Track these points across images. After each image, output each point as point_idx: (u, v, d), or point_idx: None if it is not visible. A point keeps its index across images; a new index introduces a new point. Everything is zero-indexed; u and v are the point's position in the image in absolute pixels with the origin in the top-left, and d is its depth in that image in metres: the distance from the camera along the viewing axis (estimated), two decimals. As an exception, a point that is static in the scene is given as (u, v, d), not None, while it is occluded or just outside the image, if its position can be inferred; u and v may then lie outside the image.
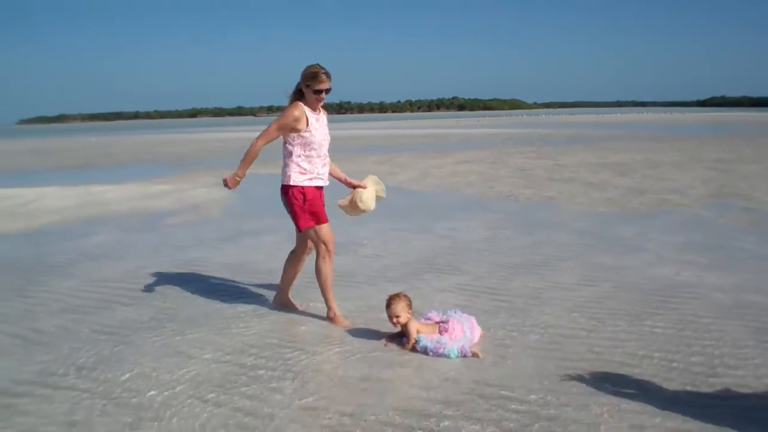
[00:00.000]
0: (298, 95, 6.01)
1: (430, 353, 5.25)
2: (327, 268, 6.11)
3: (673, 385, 4.57)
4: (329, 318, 6.11)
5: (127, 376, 4.96)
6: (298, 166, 6.10)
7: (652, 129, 52.18)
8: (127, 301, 7.07)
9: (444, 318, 5.57)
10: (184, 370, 5.05)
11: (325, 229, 6.15)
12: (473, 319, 5.66)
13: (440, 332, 5.40)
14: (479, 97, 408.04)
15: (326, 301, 6.14)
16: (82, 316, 6.55)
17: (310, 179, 6.12)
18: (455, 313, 5.67)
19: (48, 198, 16.54)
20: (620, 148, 28.91)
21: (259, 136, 6.16)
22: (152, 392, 4.64)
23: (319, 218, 6.12)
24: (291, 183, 6.15)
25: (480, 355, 5.22)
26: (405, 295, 5.53)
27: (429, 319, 5.65)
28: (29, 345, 5.76)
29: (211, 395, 4.57)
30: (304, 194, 6.09)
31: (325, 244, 6.13)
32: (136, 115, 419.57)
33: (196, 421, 4.18)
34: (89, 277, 8.19)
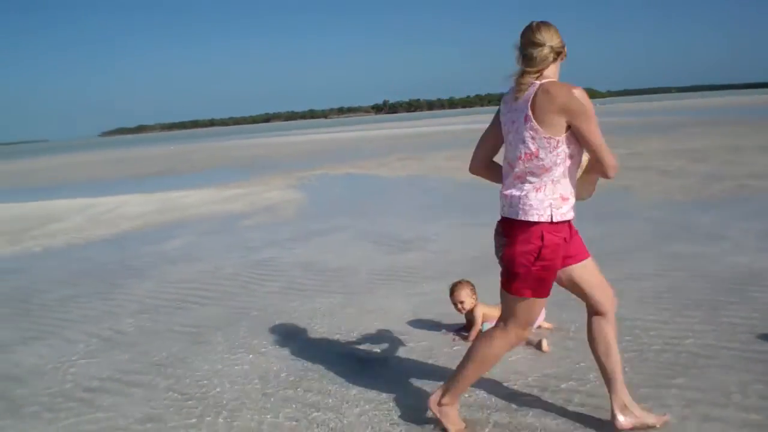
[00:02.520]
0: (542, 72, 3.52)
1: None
2: (501, 351, 3.84)
3: (746, 377, 4.38)
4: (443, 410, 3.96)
5: (201, 372, 5.12)
6: (560, 188, 3.53)
7: (733, 113, 50.18)
8: (201, 300, 7.28)
9: None
10: (256, 366, 5.17)
11: (540, 306, 3.80)
12: (543, 314, 5.60)
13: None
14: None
15: (454, 386, 3.94)
16: (159, 316, 6.79)
17: (566, 212, 3.59)
18: None
19: (129, 205, 17.19)
20: (698, 134, 27.95)
21: (603, 147, 3.51)
22: (224, 388, 4.78)
23: (544, 287, 3.67)
24: (541, 219, 3.47)
25: (546, 347, 5.17)
26: (468, 282, 5.55)
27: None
28: (109, 344, 6.02)
29: (282, 391, 4.66)
30: (545, 241, 3.48)
31: (526, 327, 3.84)
32: (211, 123, 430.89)
33: (266, 415, 4.28)
34: (166, 278, 8.47)
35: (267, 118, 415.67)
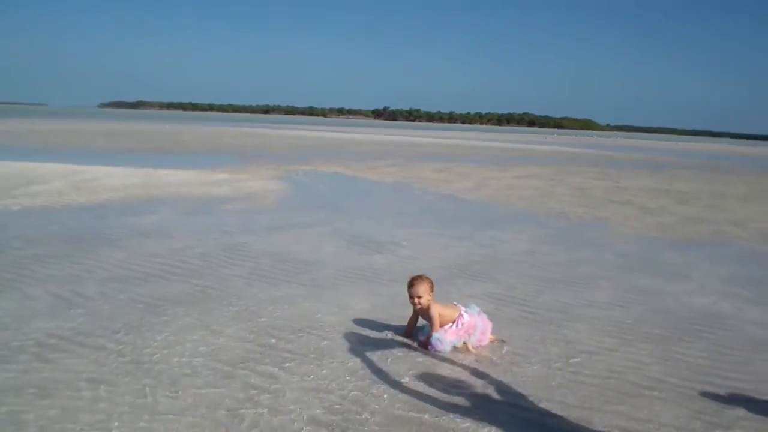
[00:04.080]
0: None
1: (430, 347, 5.44)
2: None
3: (683, 412, 4.53)
4: None
5: (155, 343, 5.22)
6: None
7: (726, 160, 50.69)
8: (168, 276, 7.36)
9: (466, 310, 5.67)
10: (208, 343, 5.28)
11: None
12: (489, 325, 5.75)
13: (457, 319, 5.54)
14: (550, 115, 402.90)
15: None
16: (124, 286, 6.87)
17: None
18: (476, 310, 5.74)
19: (114, 176, 17.21)
20: (687, 177, 28.26)
21: None
22: (175, 360, 4.88)
23: None
24: None
25: (470, 349, 5.47)
26: (428, 278, 5.66)
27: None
28: (69, 305, 6.11)
29: (228, 368, 4.78)
30: None
31: None
32: (210, 107, 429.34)
33: (210, 390, 4.38)
34: (138, 251, 8.54)
35: (266, 110, 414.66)
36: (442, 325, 5.52)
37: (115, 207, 12.23)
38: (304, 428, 3.95)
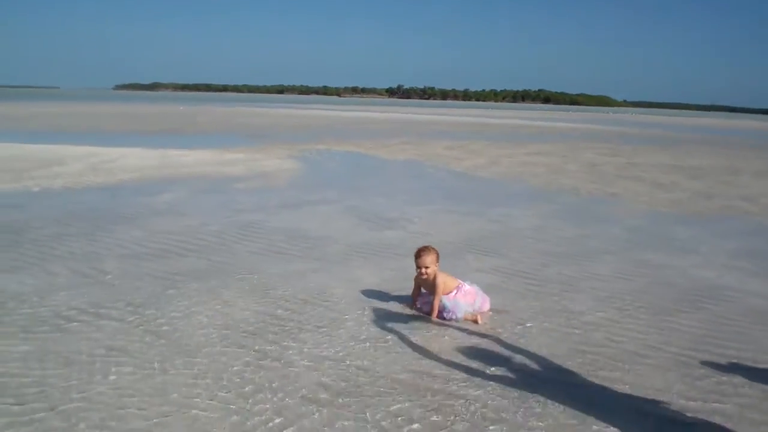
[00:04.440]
0: None
1: (447, 309, 5.67)
2: None
3: (680, 379, 4.67)
4: None
5: (170, 315, 5.45)
6: None
7: (743, 136, 50.33)
8: (183, 252, 7.60)
9: (465, 284, 5.89)
10: (221, 314, 5.51)
11: None
12: (487, 298, 5.96)
13: (457, 289, 5.78)
14: (566, 91, 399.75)
15: None
16: (141, 262, 7.12)
17: None
18: (474, 285, 5.96)
19: (129, 158, 17.49)
20: (700, 152, 28.19)
21: None
22: (188, 331, 5.11)
23: None
24: None
25: (478, 320, 5.65)
26: (434, 249, 5.87)
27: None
28: (89, 280, 6.36)
29: (239, 338, 5.00)
30: None
31: None
32: (225, 88, 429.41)
33: (221, 357, 4.61)
34: (154, 228, 8.78)
35: (281, 90, 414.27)
36: (444, 294, 5.73)
37: (132, 187, 12.49)
38: (311, 392, 4.15)
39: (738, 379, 4.71)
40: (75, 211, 9.84)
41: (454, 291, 5.78)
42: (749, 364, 5.03)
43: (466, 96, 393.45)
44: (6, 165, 14.79)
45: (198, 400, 4.00)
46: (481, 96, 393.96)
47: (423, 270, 5.73)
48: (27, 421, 3.68)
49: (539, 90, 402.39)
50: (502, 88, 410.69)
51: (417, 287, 5.95)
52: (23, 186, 12.04)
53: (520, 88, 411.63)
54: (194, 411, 3.86)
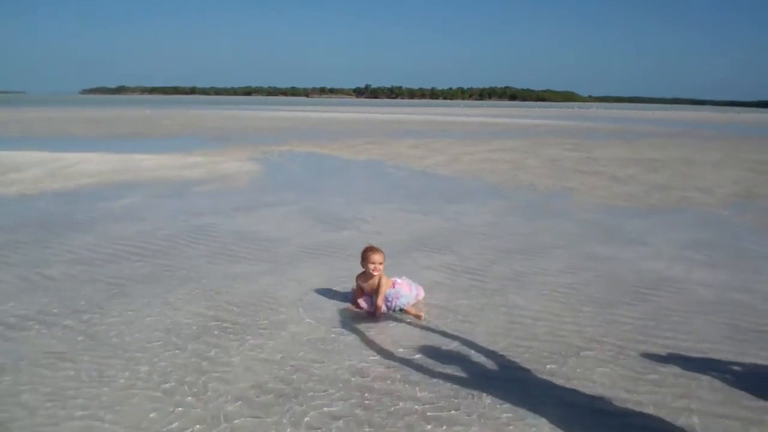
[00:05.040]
0: None
1: (389, 299, 5.83)
2: None
3: (617, 370, 4.77)
4: None
5: (114, 320, 5.45)
6: None
7: (704, 128, 51.14)
8: (133, 257, 7.57)
9: (397, 279, 6.04)
10: (164, 318, 5.52)
11: None
12: (420, 286, 6.22)
13: (393, 283, 5.96)
14: (532, 88, 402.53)
15: None
16: (90, 267, 7.08)
17: None
18: (403, 278, 6.17)
19: (89, 162, 17.32)
20: (661, 145, 28.63)
21: None
22: (131, 336, 5.11)
23: None
24: None
25: (422, 315, 5.77)
26: (381, 249, 5.99)
27: None
28: (36, 287, 6.32)
29: (181, 341, 5.02)
30: None
31: None
32: (193, 91, 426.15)
33: (163, 362, 4.62)
34: (106, 234, 8.73)
35: (248, 92, 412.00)
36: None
37: (89, 192, 12.38)
38: (249, 395, 4.19)
39: (674, 369, 4.80)
40: (28, 217, 9.75)
41: (392, 285, 5.90)
42: (686, 353, 5.13)
43: (433, 95, 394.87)
44: (-43, 173, 14.56)
45: (133, 401, 4.03)
46: (449, 94, 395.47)
47: (375, 266, 5.81)
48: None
49: (505, 87, 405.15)
50: (469, 86, 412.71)
51: (359, 288, 6.01)
52: (-26, 194, 11.88)
53: (487, 86, 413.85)
54: (127, 414, 3.87)
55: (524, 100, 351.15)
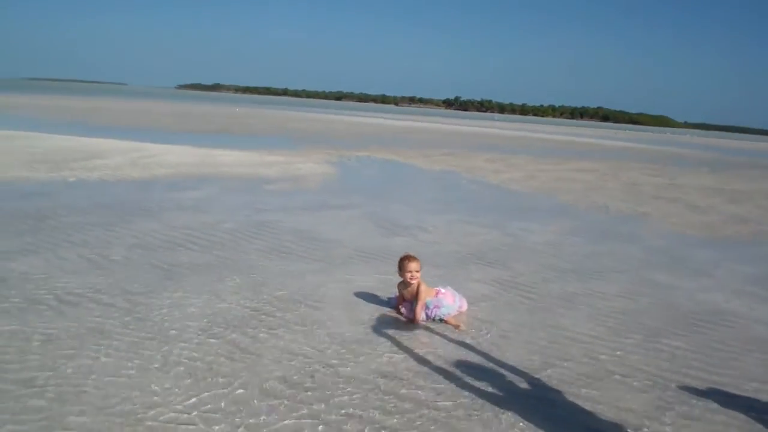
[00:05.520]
0: None
1: (430, 307, 5.85)
2: None
3: (648, 399, 4.64)
4: None
5: (159, 304, 5.67)
6: None
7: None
8: (192, 246, 7.83)
9: (441, 288, 6.05)
10: (208, 307, 5.69)
11: None
12: (464, 298, 6.20)
13: (437, 292, 5.97)
14: (626, 110, 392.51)
15: None
16: (149, 252, 7.37)
17: None
18: (448, 288, 6.17)
19: (171, 154, 17.97)
20: (749, 177, 27.47)
21: None
22: (172, 320, 5.30)
23: None
24: None
25: (461, 327, 5.75)
26: (415, 256, 6.04)
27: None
28: (94, 267, 6.64)
29: (218, 330, 5.17)
30: None
31: None
32: (285, 92, 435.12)
33: (196, 346, 4.78)
34: (171, 222, 9.05)
35: (339, 96, 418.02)
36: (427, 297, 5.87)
37: (164, 182, 12.86)
38: (272, 386, 4.28)
39: (710, 404, 4.64)
40: (101, 202, 10.21)
41: (434, 294, 5.90)
42: (728, 389, 4.94)
43: (523, 110, 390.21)
44: (50, 156, 15.36)
45: (158, 380, 4.19)
46: (539, 111, 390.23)
47: (413, 274, 5.82)
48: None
49: (598, 107, 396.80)
50: (561, 104, 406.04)
51: (401, 295, 6.04)
52: (60, 176, 12.51)
53: (579, 105, 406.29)
54: (152, 395, 4.03)
55: (616, 121, 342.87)
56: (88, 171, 13.43)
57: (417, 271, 5.87)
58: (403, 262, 5.94)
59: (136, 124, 31.65)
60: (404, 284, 5.95)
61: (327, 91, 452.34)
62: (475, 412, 4.18)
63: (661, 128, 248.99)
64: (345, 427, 3.86)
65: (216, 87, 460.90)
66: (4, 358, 4.37)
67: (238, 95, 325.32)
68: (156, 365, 4.43)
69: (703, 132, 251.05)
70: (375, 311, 6.05)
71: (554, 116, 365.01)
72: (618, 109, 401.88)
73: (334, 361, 4.78)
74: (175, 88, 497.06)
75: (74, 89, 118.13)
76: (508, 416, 4.16)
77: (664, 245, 10.56)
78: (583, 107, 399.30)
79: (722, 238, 11.77)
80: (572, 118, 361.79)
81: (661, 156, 39.59)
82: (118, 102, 64.44)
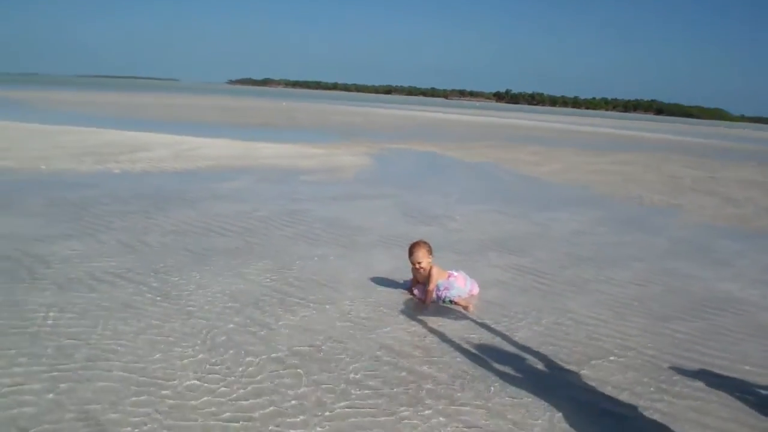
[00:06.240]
0: None
1: (440, 289, 6.14)
2: None
3: (639, 377, 4.85)
4: None
5: (188, 284, 6.11)
6: None
7: None
8: (225, 232, 8.28)
9: (453, 272, 6.32)
10: (233, 286, 6.12)
11: None
12: (475, 282, 6.45)
13: (449, 275, 6.25)
14: (680, 103, 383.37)
15: None
16: (183, 238, 7.84)
17: None
18: (461, 272, 6.41)
19: (213, 147, 18.58)
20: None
21: None
22: (198, 299, 5.73)
23: None
24: None
25: (470, 308, 6.04)
26: (425, 242, 6.33)
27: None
28: (130, 250, 7.14)
29: (239, 306, 5.59)
30: None
31: None
32: (335, 86, 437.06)
33: (214, 320, 5.21)
34: (207, 211, 9.53)
35: (388, 90, 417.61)
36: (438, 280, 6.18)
37: (204, 173, 13.39)
38: (280, 356, 4.66)
39: (700, 384, 4.82)
40: (143, 191, 10.75)
41: (446, 277, 6.20)
42: (722, 372, 5.10)
43: (575, 104, 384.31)
44: (97, 149, 16.08)
45: (176, 350, 4.61)
46: (591, 104, 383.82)
47: (417, 266, 6.15)
48: (37, 353, 4.38)
49: (652, 100, 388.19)
50: (613, 97, 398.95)
51: (414, 277, 6.36)
52: (105, 168, 13.15)
53: (632, 98, 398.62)
54: (172, 359, 4.45)
55: (671, 114, 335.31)
56: (132, 163, 14.06)
57: (420, 262, 6.16)
58: (410, 250, 6.25)
59: (183, 119, 32.55)
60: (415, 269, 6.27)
61: (377, 84, 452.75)
62: (468, 383, 4.48)
63: (715, 121, 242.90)
64: (345, 394, 4.19)
65: (266, 82, 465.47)
66: (41, 328, 4.85)
67: (288, 89, 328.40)
68: (174, 337, 4.85)
69: (759, 126, 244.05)
70: (389, 293, 6.38)
71: (606, 109, 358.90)
72: (672, 102, 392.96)
73: (342, 336, 5.13)
74: (226, 83, 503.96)
75: (129, 86, 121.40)
76: (497, 386, 4.47)
77: (690, 236, 10.63)
78: (636, 100, 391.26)
79: (752, 230, 11.77)
80: (625, 111, 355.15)
81: (707, 149, 38.94)
82: (169, 97, 66.03)
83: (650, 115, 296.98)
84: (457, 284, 6.24)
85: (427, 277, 6.17)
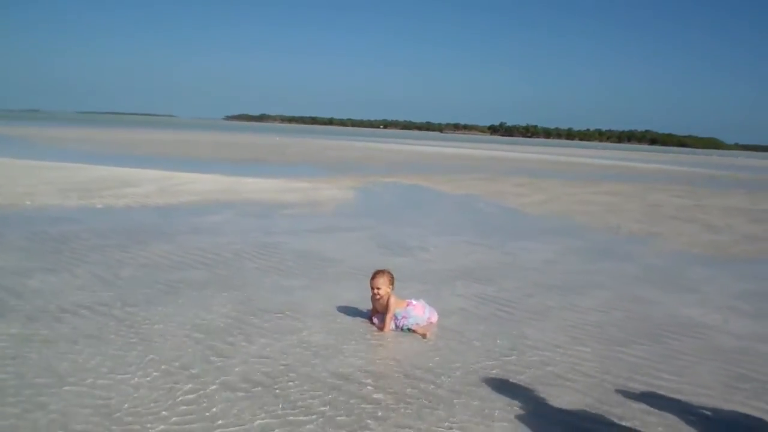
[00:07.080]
0: None
1: (398, 318, 6.34)
2: None
3: (585, 400, 5.00)
4: None
5: (153, 314, 6.29)
6: None
7: None
8: (197, 265, 8.46)
9: (412, 300, 6.53)
10: (198, 317, 6.29)
11: None
12: (435, 310, 6.62)
13: (407, 304, 6.45)
14: (674, 132, 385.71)
15: None
16: (156, 271, 8.02)
17: None
18: (420, 300, 6.60)
19: (199, 182, 18.84)
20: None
21: None
22: (161, 327, 5.92)
23: None
24: None
25: (427, 335, 6.22)
26: (389, 272, 6.53)
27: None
28: (102, 283, 7.33)
29: (200, 336, 5.75)
30: None
31: None
32: (330, 121, 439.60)
33: (174, 351, 5.36)
34: (184, 244, 9.71)
35: (384, 124, 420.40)
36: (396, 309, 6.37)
37: (186, 208, 13.61)
38: (233, 382, 4.81)
39: (644, 406, 4.94)
40: (122, 226, 10.95)
41: (405, 305, 6.37)
42: (669, 394, 5.23)
43: (569, 135, 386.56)
44: (84, 185, 16.32)
45: (136, 379, 4.77)
46: (585, 136, 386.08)
47: (375, 291, 6.33)
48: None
49: (645, 131, 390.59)
50: (607, 128, 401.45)
51: (374, 307, 6.53)
52: (89, 203, 13.37)
53: (626, 129, 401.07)
54: (131, 387, 4.61)
55: (665, 144, 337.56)
56: (116, 198, 14.27)
57: (379, 288, 6.35)
58: (372, 275, 6.45)
59: (175, 154, 32.95)
60: (374, 298, 6.45)
61: (372, 119, 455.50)
62: (413, 405, 4.64)
63: (710, 150, 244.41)
64: (292, 419, 4.34)
65: (263, 117, 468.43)
66: (5, 354, 5.01)
67: (284, 125, 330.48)
68: (134, 365, 5.01)
69: (754, 153, 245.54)
70: (350, 322, 6.55)
71: (600, 140, 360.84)
72: (666, 131, 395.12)
73: (297, 364, 5.29)
74: (223, 119, 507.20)
75: (125, 122, 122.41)
76: (439, 408, 4.62)
77: (662, 263, 10.81)
78: (630, 131, 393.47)
79: (726, 257, 11.96)
80: (619, 142, 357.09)
81: (694, 178, 39.31)
82: (164, 133, 66.59)
83: (644, 146, 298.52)
84: (415, 312, 6.41)
85: (386, 307, 6.34)
